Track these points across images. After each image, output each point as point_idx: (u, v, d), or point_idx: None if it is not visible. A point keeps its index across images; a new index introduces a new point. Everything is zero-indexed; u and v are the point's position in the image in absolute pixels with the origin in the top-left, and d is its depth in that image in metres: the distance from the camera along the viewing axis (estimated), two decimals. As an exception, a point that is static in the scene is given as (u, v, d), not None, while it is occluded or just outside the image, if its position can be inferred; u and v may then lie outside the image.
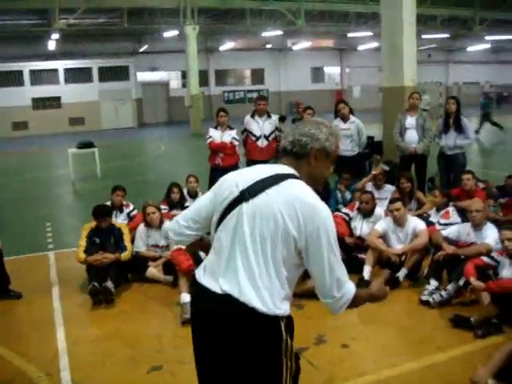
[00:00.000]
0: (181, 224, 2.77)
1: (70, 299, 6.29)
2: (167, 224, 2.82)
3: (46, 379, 4.53)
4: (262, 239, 2.44)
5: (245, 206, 2.49)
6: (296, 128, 2.62)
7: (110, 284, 6.07)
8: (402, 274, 6.23)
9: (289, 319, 2.56)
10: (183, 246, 6.09)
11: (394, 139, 9.68)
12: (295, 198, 2.43)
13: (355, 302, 2.55)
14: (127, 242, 6.65)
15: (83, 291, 6.41)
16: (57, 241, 8.87)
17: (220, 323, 2.50)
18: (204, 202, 2.72)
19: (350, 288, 2.52)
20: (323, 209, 2.47)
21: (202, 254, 6.13)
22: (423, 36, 33.04)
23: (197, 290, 2.64)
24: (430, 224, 6.82)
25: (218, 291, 2.49)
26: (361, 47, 41.74)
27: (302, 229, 2.40)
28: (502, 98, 44.30)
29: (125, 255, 6.48)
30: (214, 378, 2.64)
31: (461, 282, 5.58)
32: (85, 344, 5.19)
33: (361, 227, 6.91)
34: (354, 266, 6.54)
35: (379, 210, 7.06)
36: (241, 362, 2.50)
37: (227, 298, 2.45)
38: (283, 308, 2.50)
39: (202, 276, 2.61)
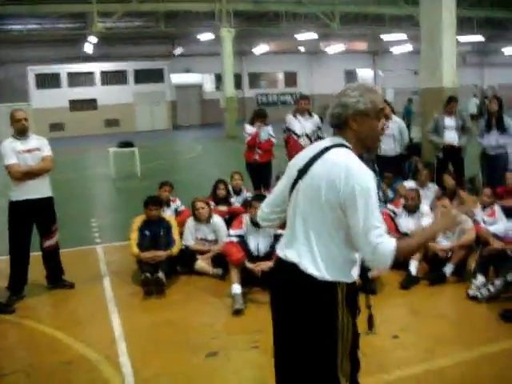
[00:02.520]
0: (265, 211, 3.02)
1: (122, 289, 6.48)
2: (258, 214, 3.08)
3: (105, 362, 4.70)
4: (314, 210, 2.64)
5: (300, 184, 2.71)
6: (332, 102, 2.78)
7: (161, 275, 6.24)
8: (448, 269, 6.27)
9: (350, 287, 2.68)
10: (234, 239, 6.27)
11: (428, 137, 9.79)
12: (331, 165, 2.60)
13: (404, 251, 2.57)
14: (176, 236, 6.81)
15: (133, 282, 6.62)
16: (103, 235, 9.11)
17: (285, 289, 2.74)
18: (281, 188, 2.92)
19: (385, 246, 2.50)
20: (357, 169, 2.55)
21: (251, 244, 6.30)
22: (459, 38, 32.77)
23: (275, 261, 2.88)
24: (475, 222, 6.86)
25: (285, 258, 2.73)
26: (395, 50, 41.50)
27: (341, 192, 2.53)
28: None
29: (175, 250, 6.65)
30: (281, 342, 2.85)
31: (509, 278, 5.61)
32: (141, 331, 5.36)
33: (406, 224, 6.96)
34: (399, 262, 6.62)
35: (425, 206, 7.11)
36: (299, 324, 2.69)
37: (292, 265, 2.68)
38: (341, 274, 2.65)
39: (279, 248, 2.84)
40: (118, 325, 5.46)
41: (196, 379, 4.37)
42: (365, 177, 2.54)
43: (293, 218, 2.75)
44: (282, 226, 3.00)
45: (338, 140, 2.71)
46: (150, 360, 4.72)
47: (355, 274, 2.73)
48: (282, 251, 2.77)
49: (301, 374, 2.76)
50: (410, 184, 8.34)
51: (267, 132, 9.70)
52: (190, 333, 5.24)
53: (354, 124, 2.68)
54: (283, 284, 2.75)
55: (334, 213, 2.57)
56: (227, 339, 5.06)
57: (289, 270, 2.68)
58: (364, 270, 2.81)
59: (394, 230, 6.99)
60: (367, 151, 2.79)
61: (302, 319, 2.68)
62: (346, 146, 2.68)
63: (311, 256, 2.63)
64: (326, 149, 2.68)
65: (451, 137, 9.40)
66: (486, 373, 4.34)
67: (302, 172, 2.70)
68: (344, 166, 2.55)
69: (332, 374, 2.69)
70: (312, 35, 32.94)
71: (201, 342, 5.01)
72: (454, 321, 5.37)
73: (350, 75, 44.02)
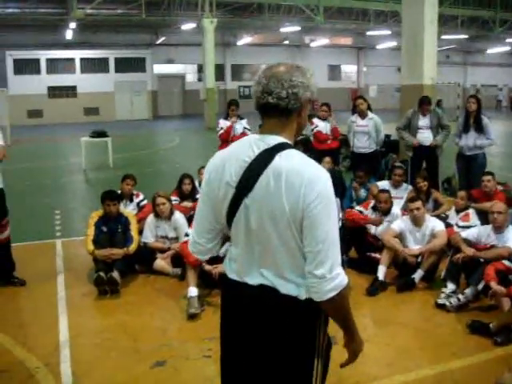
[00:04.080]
0: (201, 242, 2.49)
1: (75, 288, 6.13)
2: (190, 248, 2.60)
3: (45, 370, 4.35)
4: (276, 228, 2.20)
5: (247, 202, 2.24)
6: (275, 80, 2.21)
7: (116, 274, 5.90)
8: (418, 275, 6.00)
9: None
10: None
11: (398, 134, 9.56)
12: (289, 174, 2.14)
13: (342, 300, 2.22)
14: (134, 233, 6.47)
15: (89, 280, 6.25)
16: (65, 229, 8.74)
17: (258, 312, 2.32)
18: (206, 209, 2.43)
19: (343, 275, 2.20)
20: (319, 175, 2.17)
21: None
22: (442, 37, 32.60)
23: (227, 284, 2.45)
24: (448, 226, 6.61)
25: (252, 283, 2.32)
26: (379, 46, 41.30)
27: (303, 203, 2.13)
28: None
29: (132, 248, 6.30)
30: (248, 370, 2.44)
31: (480, 286, 5.36)
32: (88, 335, 5.02)
33: (375, 227, 6.68)
34: (367, 266, 6.36)
35: (396, 208, 6.83)
36: (278, 347, 2.33)
37: (261, 288, 2.30)
38: None
39: (229, 270, 2.43)
40: (65, 328, 5.12)
41: (139, 392, 4.06)
42: (327, 182, 2.17)
43: (247, 240, 2.30)
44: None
45: (276, 139, 2.24)
46: (93, 368, 4.39)
47: None
48: (240, 277, 2.36)
49: None
50: (382, 184, 8.06)
51: (242, 125, 9.42)
52: (140, 339, 4.90)
53: (303, 111, 2.29)
54: (254, 311, 2.33)
55: (299, 227, 2.18)
56: (178, 347, 4.72)
57: (259, 294, 2.30)
58: None
59: (362, 218, 6.73)
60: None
61: (283, 342, 2.32)
62: (290, 145, 2.25)
63: (288, 277, 2.26)
64: (268, 154, 2.21)
65: (424, 137, 9.16)
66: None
67: (244, 188, 2.23)
68: (303, 175, 2.14)
69: None
70: (295, 28, 32.63)
71: (150, 349, 4.68)
72: (420, 332, 5.07)
73: (334, 70, 43.80)
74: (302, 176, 2.14)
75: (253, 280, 2.32)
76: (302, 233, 2.18)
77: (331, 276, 2.16)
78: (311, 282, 2.19)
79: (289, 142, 2.27)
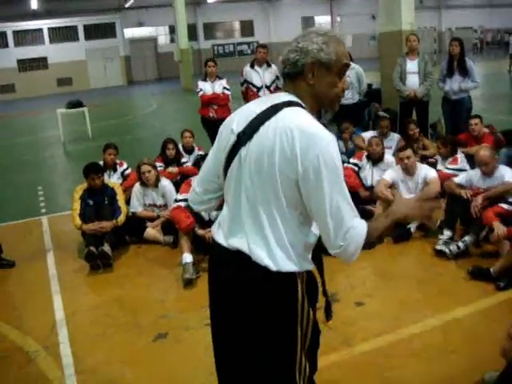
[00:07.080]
0: (198, 191, 2.44)
1: (67, 265, 5.98)
2: (188, 196, 2.50)
3: (44, 353, 4.22)
4: (264, 186, 2.09)
5: (243, 151, 2.14)
6: (288, 45, 2.23)
7: (107, 247, 5.75)
8: (413, 225, 5.92)
9: (309, 276, 2.24)
10: (182, 204, 5.75)
11: (393, 83, 9.24)
12: (287, 128, 2.03)
13: (370, 236, 2.10)
14: (121, 203, 6.29)
15: (80, 256, 6.10)
16: (50, 205, 8.53)
17: (232, 281, 2.22)
18: (211, 160, 2.37)
19: (358, 230, 2.05)
20: (323, 134, 2.02)
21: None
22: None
23: (213, 246, 2.35)
24: (438, 171, 6.51)
25: (229, 247, 2.21)
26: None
27: (299, 162, 1.99)
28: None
29: (121, 219, 6.13)
30: (226, 340, 2.35)
31: (482, 235, 5.30)
32: (84, 313, 4.89)
33: (371, 176, 6.57)
34: (363, 219, 6.23)
35: (389, 157, 6.72)
36: (252, 323, 2.22)
37: (237, 254, 2.17)
38: (300, 262, 2.16)
39: (216, 232, 2.31)
40: (60, 307, 4.98)
41: (142, 367, 3.94)
42: (329, 144, 2.02)
43: (235, 196, 2.19)
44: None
45: (289, 97, 2.16)
46: (93, 347, 4.28)
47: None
48: (224, 238, 2.24)
49: (253, 373, 2.30)
50: (369, 135, 7.91)
51: (221, 85, 9.12)
52: (139, 312, 4.79)
53: (309, 75, 2.15)
54: (229, 279, 2.22)
55: (289, 190, 2.05)
56: (178, 318, 4.61)
57: (235, 261, 2.18)
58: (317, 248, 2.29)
59: (359, 185, 6.60)
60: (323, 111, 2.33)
61: (255, 317, 2.20)
62: (301, 105, 2.15)
63: (264, 244, 2.12)
64: (276, 108, 2.12)
65: (413, 82, 8.92)
66: (454, 339, 4.00)
67: (245, 137, 2.13)
68: (302, 130, 2.01)
69: (288, 373, 2.25)
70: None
71: (149, 322, 4.57)
72: (421, 282, 4.99)
73: (308, 22, 43.13)
74: (302, 132, 2.02)
75: (235, 241, 2.19)
76: (302, 198, 2.06)
77: (348, 242, 2.05)
78: (333, 252, 2.10)
79: (301, 103, 2.18)
